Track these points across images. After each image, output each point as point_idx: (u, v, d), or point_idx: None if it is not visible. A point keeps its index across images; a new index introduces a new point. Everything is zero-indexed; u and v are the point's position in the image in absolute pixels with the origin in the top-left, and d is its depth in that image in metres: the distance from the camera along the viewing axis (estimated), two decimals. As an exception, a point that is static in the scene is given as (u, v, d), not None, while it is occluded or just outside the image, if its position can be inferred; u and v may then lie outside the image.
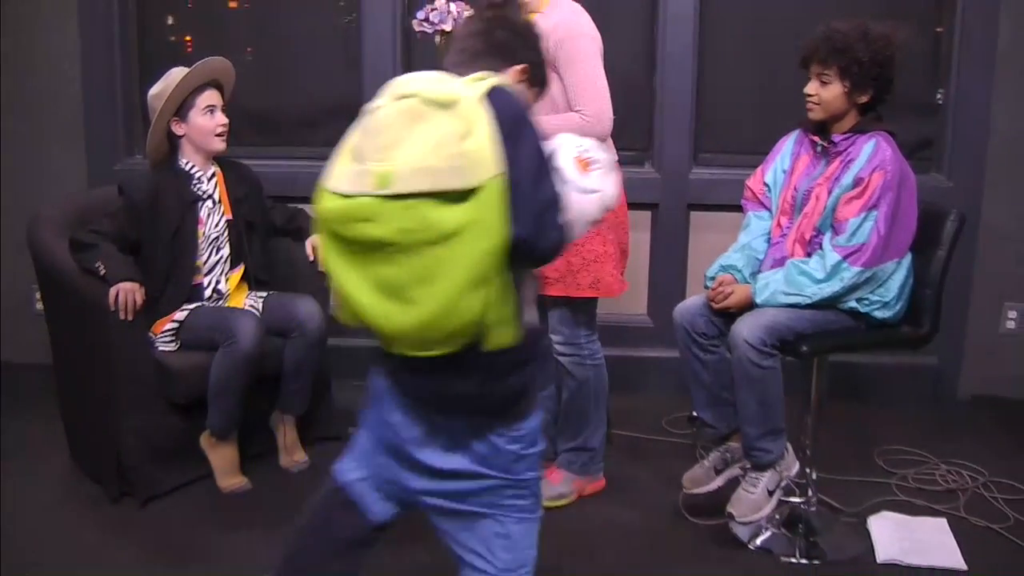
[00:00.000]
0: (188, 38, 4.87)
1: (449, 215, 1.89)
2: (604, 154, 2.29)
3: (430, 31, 3.33)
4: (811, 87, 3.32)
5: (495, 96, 1.99)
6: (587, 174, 2.22)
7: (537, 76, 2.40)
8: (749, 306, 3.40)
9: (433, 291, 1.92)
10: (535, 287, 2.21)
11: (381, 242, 1.92)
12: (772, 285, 3.30)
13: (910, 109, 4.42)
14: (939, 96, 4.55)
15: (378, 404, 2.29)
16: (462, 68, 2.18)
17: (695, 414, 3.71)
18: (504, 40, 2.34)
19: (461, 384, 2.09)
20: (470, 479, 2.17)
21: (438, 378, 2.09)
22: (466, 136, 1.91)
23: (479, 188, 1.88)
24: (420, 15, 3.34)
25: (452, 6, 3.30)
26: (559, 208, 2.02)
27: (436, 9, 3.31)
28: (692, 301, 3.61)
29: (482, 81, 2.02)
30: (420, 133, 1.94)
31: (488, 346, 1.99)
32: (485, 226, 1.90)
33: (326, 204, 1.96)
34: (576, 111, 3.30)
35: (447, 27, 3.29)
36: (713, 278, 3.53)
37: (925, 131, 4.56)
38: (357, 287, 1.98)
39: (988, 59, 4.41)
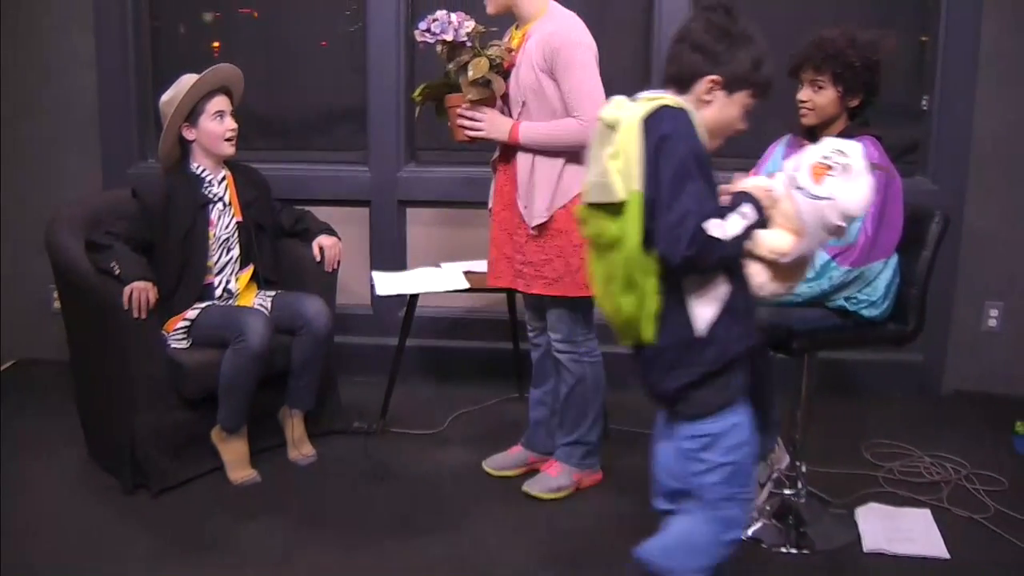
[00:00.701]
0: (215, 44, 4.94)
1: (611, 225, 2.20)
2: (854, 160, 2.28)
3: (431, 40, 3.40)
4: (804, 93, 3.37)
5: (652, 117, 2.20)
6: (821, 181, 2.25)
7: (735, 82, 2.36)
8: None
9: (611, 287, 2.26)
10: (737, 297, 2.29)
11: (603, 246, 2.25)
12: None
13: (897, 114, 4.50)
14: (924, 102, 4.62)
15: None
16: (666, 87, 2.39)
17: None
18: (688, 61, 2.37)
19: (644, 376, 2.40)
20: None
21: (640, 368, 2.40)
22: (615, 156, 2.18)
23: (626, 203, 2.16)
24: (422, 25, 3.39)
25: (453, 16, 3.36)
26: (694, 222, 2.12)
27: (437, 20, 3.37)
28: None
29: (650, 103, 2.24)
30: (597, 152, 2.25)
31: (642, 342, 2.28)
32: (627, 237, 2.17)
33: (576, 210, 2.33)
34: (574, 117, 3.36)
35: (448, 37, 3.35)
36: None
37: (911, 135, 4.62)
38: (593, 276, 2.37)
39: (970, 67, 4.49)
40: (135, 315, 3.56)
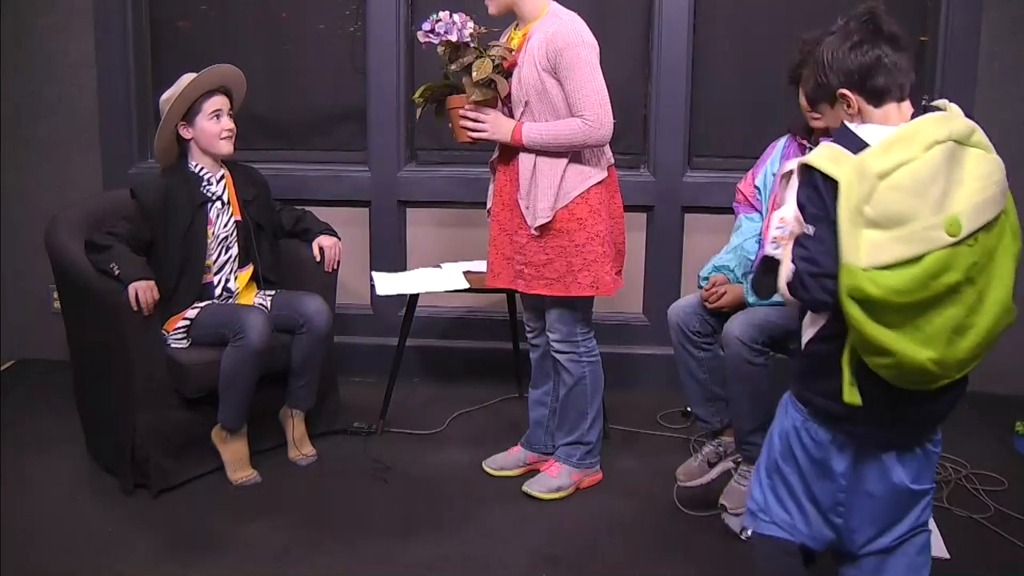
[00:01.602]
0: (215, 44, 4.90)
1: (992, 239, 2.13)
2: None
3: (435, 41, 3.40)
4: None
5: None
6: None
7: (865, 87, 2.25)
8: (741, 305, 3.49)
9: (985, 309, 2.13)
10: None
11: (954, 287, 2.09)
12: None
13: None
14: (924, 103, 4.61)
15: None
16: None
17: (689, 409, 3.82)
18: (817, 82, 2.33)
19: (942, 401, 2.27)
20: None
21: (939, 399, 2.25)
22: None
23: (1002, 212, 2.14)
24: (426, 26, 3.38)
25: (456, 17, 3.36)
26: None
27: (441, 20, 3.37)
28: (686, 300, 3.70)
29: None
30: (968, 172, 2.11)
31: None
32: (1013, 230, 2.16)
33: (886, 282, 2.03)
34: (578, 116, 3.36)
35: (452, 38, 3.34)
36: (707, 278, 3.62)
37: None
38: (917, 344, 2.09)
39: (970, 68, 4.50)
40: (145, 314, 3.59)
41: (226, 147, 3.89)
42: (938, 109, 2.21)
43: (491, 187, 3.70)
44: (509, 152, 3.54)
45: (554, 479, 3.71)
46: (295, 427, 3.98)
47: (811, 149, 3.46)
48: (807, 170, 2.17)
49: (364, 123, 4.82)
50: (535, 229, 3.45)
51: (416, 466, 3.98)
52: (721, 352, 3.52)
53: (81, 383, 3.98)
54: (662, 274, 4.81)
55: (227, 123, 3.88)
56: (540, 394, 3.86)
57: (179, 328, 3.78)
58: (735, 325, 3.38)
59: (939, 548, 3.31)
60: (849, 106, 2.25)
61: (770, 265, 2.34)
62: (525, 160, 3.46)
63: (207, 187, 3.90)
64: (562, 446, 3.76)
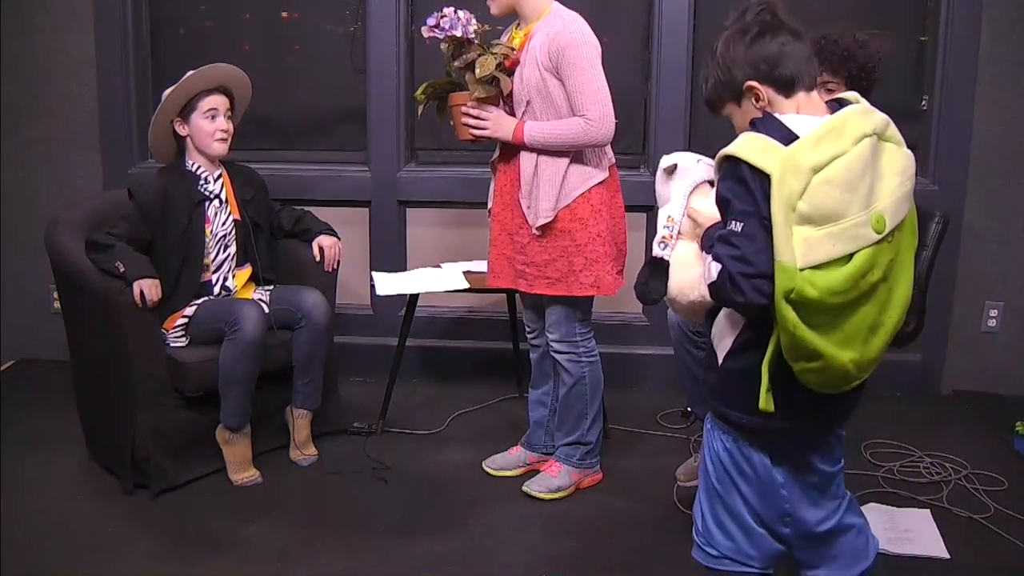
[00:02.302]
0: (214, 44, 4.91)
1: (903, 232, 2.08)
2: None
3: (441, 36, 3.39)
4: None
5: None
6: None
7: (773, 77, 2.17)
8: None
9: (893, 307, 2.09)
10: None
11: (875, 285, 2.04)
12: None
13: (896, 115, 4.33)
14: (924, 102, 4.63)
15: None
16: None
17: (689, 409, 3.82)
18: None
19: (859, 392, 2.23)
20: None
21: (850, 397, 2.20)
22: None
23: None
24: (430, 21, 3.36)
25: (460, 13, 3.36)
26: None
27: (446, 16, 3.36)
28: None
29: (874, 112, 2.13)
30: (887, 167, 2.06)
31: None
32: (912, 227, 2.12)
33: (821, 282, 1.94)
34: (580, 116, 3.36)
35: (457, 33, 3.33)
36: None
37: (910, 136, 4.57)
38: (838, 346, 2.03)
39: (970, 67, 4.50)
40: (150, 309, 3.61)
41: (219, 148, 3.89)
42: (848, 102, 2.14)
43: (492, 187, 3.70)
44: (510, 152, 3.54)
45: (554, 479, 3.71)
46: (301, 428, 3.98)
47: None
48: (731, 161, 2.05)
49: (364, 123, 4.82)
50: (536, 229, 3.45)
51: (416, 466, 3.98)
52: None
53: (81, 383, 3.98)
54: (662, 274, 4.78)
55: (222, 123, 3.88)
56: (540, 394, 3.86)
57: (178, 326, 3.79)
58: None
59: (939, 548, 3.32)
60: (758, 99, 2.14)
61: (658, 267, 2.29)
62: (526, 159, 3.46)
63: (204, 185, 3.91)
64: (562, 446, 3.76)
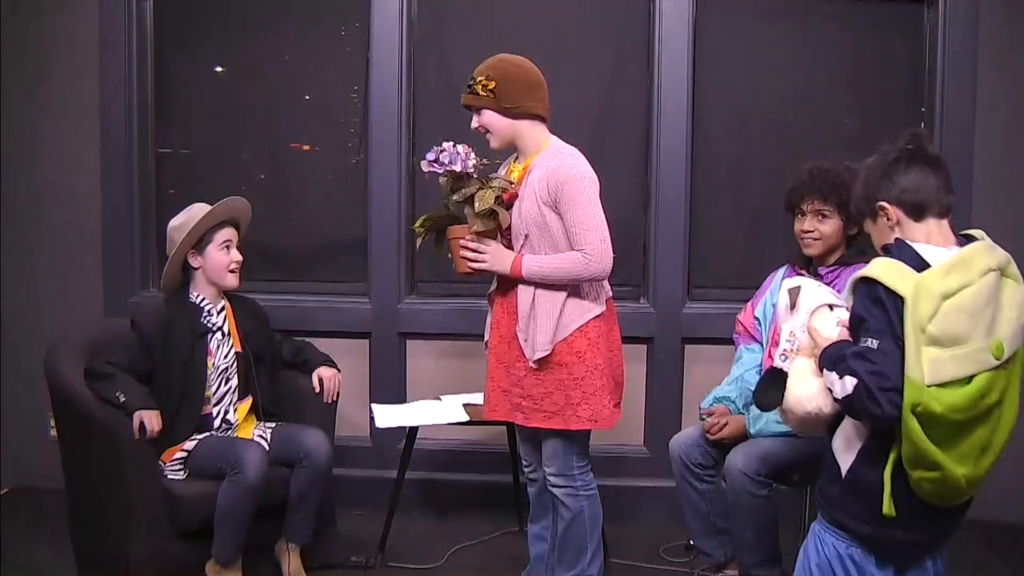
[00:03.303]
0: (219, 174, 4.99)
1: (1017, 362, 2.28)
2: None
3: (440, 171, 3.43)
4: (809, 223, 3.46)
5: None
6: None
7: (905, 201, 2.42)
8: (743, 437, 3.48)
9: (1001, 430, 2.26)
10: None
11: (991, 408, 2.22)
12: (764, 416, 3.38)
13: None
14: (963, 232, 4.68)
15: None
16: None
17: (692, 542, 3.77)
18: None
19: (958, 511, 2.39)
20: None
21: (960, 512, 2.38)
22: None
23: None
24: (430, 156, 3.39)
25: (460, 148, 3.40)
26: None
27: (445, 150, 3.40)
28: (688, 433, 3.69)
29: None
30: (1006, 300, 2.24)
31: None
32: (1019, 363, 2.29)
33: (946, 399, 2.14)
34: (578, 250, 3.37)
35: (456, 168, 3.37)
36: (708, 410, 3.63)
37: None
38: (954, 460, 2.20)
39: (965, 193, 4.55)
40: (149, 440, 3.59)
41: (232, 280, 3.93)
42: (973, 238, 2.34)
43: (488, 319, 3.70)
44: (507, 284, 3.54)
45: (557, 615, 3.63)
46: (291, 561, 3.91)
47: (809, 277, 3.51)
48: (868, 283, 2.24)
49: (365, 254, 4.87)
50: (533, 362, 3.44)
51: (415, 601, 3.91)
52: (723, 484, 3.49)
53: (75, 512, 3.93)
54: (663, 406, 4.79)
55: (236, 255, 3.93)
56: (539, 528, 3.80)
57: (176, 459, 3.76)
58: (737, 457, 3.37)
59: None
60: (888, 218, 2.38)
61: (777, 377, 2.42)
62: (524, 293, 3.47)
63: (207, 318, 3.92)
64: (564, 582, 3.68)
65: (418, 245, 3.65)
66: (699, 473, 3.59)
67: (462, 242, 3.49)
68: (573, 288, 3.43)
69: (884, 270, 2.23)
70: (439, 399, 4.47)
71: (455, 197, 3.46)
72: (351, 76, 4.89)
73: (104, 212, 4.87)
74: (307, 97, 4.95)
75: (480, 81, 3.44)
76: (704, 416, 3.67)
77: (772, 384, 2.46)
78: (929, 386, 2.12)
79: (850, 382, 2.21)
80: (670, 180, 4.68)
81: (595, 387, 3.44)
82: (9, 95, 4.86)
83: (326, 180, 4.98)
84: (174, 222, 3.92)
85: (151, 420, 3.58)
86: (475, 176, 3.43)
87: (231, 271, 3.91)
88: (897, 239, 2.35)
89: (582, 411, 3.44)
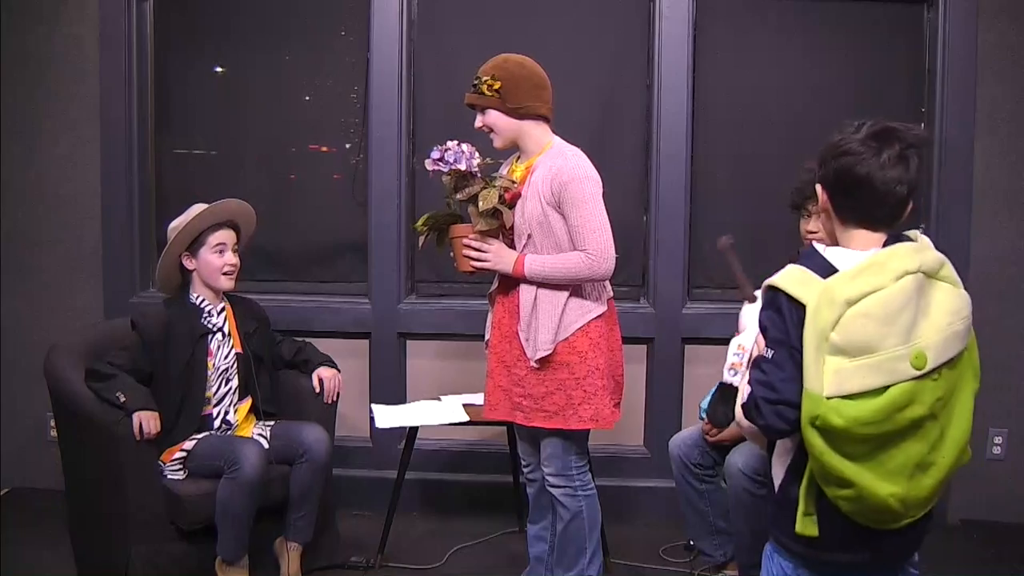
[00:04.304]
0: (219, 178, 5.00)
1: (955, 374, 2.10)
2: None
3: (445, 169, 3.40)
4: (814, 224, 3.46)
5: None
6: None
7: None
8: (743, 437, 3.49)
9: (946, 447, 2.09)
10: None
11: (917, 422, 2.05)
12: None
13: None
14: (921, 228, 4.66)
15: None
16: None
17: (692, 543, 3.77)
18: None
19: (919, 531, 2.23)
20: None
21: (909, 534, 2.20)
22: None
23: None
24: (434, 155, 3.39)
25: (464, 147, 3.39)
26: None
27: (449, 149, 3.38)
28: (687, 433, 3.69)
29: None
30: (936, 306, 2.09)
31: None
32: (974, 369, 2.15)
33: (850, 412, 1.99)
34: (581, 250, 3.37)
35: (461, 167, 3.35)
36: (707, 410, 3.63)
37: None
38: (878, 479, 2.05)
39: (966, 196, 4.59)
40: (146, 441, 3.59)
41: (226, 283, 3.93)
42: (908, 239, 2.19)
43: (489, 319, 3.70)
44: (508, 284, 3.55)
45: (557, 615, 3.63)
46: (291, 561, 3.90)
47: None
48: (772, 291, 2.15)
49: (365, 255, 4.87)
50: (535, 361, 3.44)
51: (415, 602, 3.91)
52: (723, 484, 3.49)
53: (75, 513, 3.93)
54: (663, 406, 4.80)
55: (230, 258, 3.92)
56: (539, 529, 3.80)
57: (176, 459, 3.76)
58: (737, 457, 3.37)
59: None
60: (820, 200, 2.27)
61: (728, 392, 2.34)
62: (526, 292, 3.47)
63: (208, 319, 3.93)
64: (564, 582, 3.68)
65: (420, 244, 3.64)
66: (698, 473, 3.59)
67: (465, 241, 3.49)
68: (575, 288, 3.43)
69: (786, 278, 2.13)
70: (439, 399, 4.47)
71: (458, 196, 3.45)
72: (351, 76, 4.89)
73: (104, 212, 4.87)
74: (307, 97, 4.95)
75: (486, 81, 3.44)
76: (704, 417, 3.67)
77: (723, 399, 2.39)
78: (830, 398, 1.99)
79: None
80: (670, 180, 4.69)
81: (596, 387, 3.45)
82: (9, 95, 4.86)
83: (326, 180, 4.98)
84: (173, 223, 3.93)
85: (148, 421, 3.58)
86: (479, 175, 3.43)
87: (224, 273, 3.91)
88: (809, 246, 2.24)
89: (583, 411, 3.44)
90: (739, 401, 2.23)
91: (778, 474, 2.26)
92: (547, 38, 4.68)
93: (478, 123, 3.49)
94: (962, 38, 4.59)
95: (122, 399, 3.58)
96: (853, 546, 2.17)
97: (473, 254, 3.49)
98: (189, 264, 3.91)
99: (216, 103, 4.98)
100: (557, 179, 3.37)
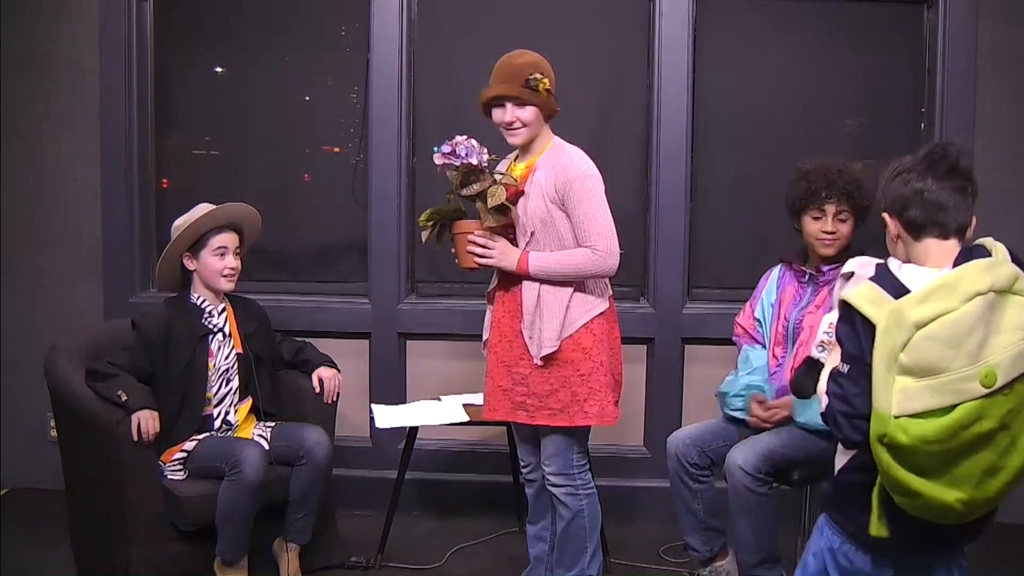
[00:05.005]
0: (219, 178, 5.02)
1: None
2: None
3: (456, 163, 3.33)
4: (831, 224, 3.47)
5: None
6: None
7: (903, 217, 2.31)
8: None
9: (1017, 452, 2.11)
10: None
11: (986, 435, 2.07)
12: (814, 407, 3.36)
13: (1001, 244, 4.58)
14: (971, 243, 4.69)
15: None
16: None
17: (686, 542, 3.76)
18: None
19: (972, 527, 2.27)
20: None
21: (967, 528, 2.25)
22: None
23: None
24: (445, 148, 3.33)
25: (474, 142, 3.34)
26: None
27: (461, 144, 3.33)
28: (687, 432, 3.69)
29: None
30: (1008, 322, 2.08)
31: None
32: None
33: (916, 430, 2.03)
34: (587, 247, 3.38)
35: (474, 161, 3.31)
36: (742, 398, 3.61)
37: None
38: (945, 487, 2.09)
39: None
40: (146, 443, 3.58)
41: (226, 285, 3.93)
42: (985, 250, 2.21)
43: (487, 319, 3.69)
44: (508, 283, 3.54)
45: (557, 615, 3.62)
46: (290, 562, 3.90)
47: (811, 274, 3.53)
48: (846, 307, 2.19)
49: (365, 255, 4.87)
50: (540, 359, 3.44)
51: (415, 601, 3.91)
52: (718, 484, 3.50)
53: (75, 513, 3.93)
54: (663, 406, 4.79)
55: (231, 262, 3.92)
56: (538, 529, 3.80)
57: (176, 460, 3.76)
58: (738, 454, 3.37)
59: None
60: (890, 229, 2.32)
61: (813, 366, 2.39)
62: (529, 290, 3.46)
63: (208, 319, 3.92)
64: (564, 582, 3.67)
65: (424, 239, 3.59)
66: (694, 473, 3.59)
67: (471, 237, 3.45)
68: (578, 284, 3.43)
69: (860, 296, 2.16)
70: (439, 399, 4.47)
71: (464, 191, 3.39)
72: (351, 76, 4.89)
73: (104, 212, 4.88)
74: (307, 97, 4.95)
75: (541, 80, 3.43)
76: (733, 404, 3.66)
77: (807, 373, 2.45)
78: (898, 417, 2.04)
79: (825, 400, 2.23)
80: (670, 180, 4.69)
81: (601, 383, 3.45)
82: (9, 95, 4.86)
83: (326, 180, 4.98)
84: (177, 221, 3.93)
85: (147, 422, 3.58)
86: (488, 171, 3.41)
87: (224, 276, 3.91)
88: (878, 265, 2.27)
89: (589, 407, 3.44)
90: (820, 392, 2.28)
91: (841, 459, 2.34)
92: (547, 38, 4.65)
93: (509, 116, 3.45)
94: (962, 38, 4.59)
95: (123, 398, 3.58)
96: (913, 536, 2.23)
97: (478, 250, 3.46)
98: (190, 264, 3.92)
99: (216, 103, 4.98)
100: (561, 177, 3.38)
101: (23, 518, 4.65)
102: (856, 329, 2.15)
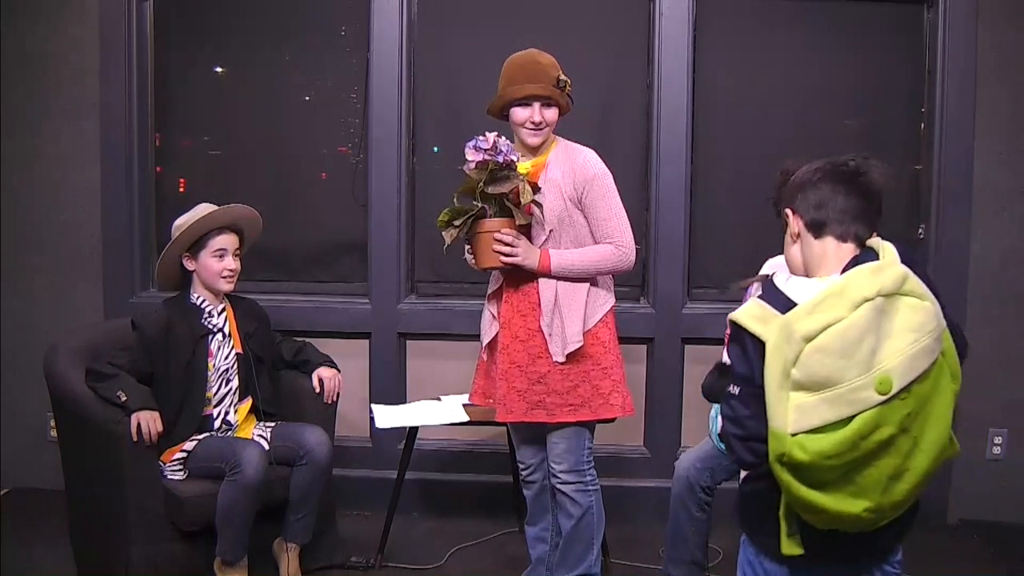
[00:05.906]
0: (218, 178, 5.02)
1: (927, 386, 2.05)
2: None
3: (500, 159, 3.26)
4: None
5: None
6: None
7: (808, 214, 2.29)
8: None
9: (920, 453, 2.05)
10: None
11: (887, 441, 2.02)
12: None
13: (893, 243, 4.56)
14: (920, 231, 4.70)
15: None
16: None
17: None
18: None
19: (888, 533, 2.21)
20: None
21: (884, 534, 2.19)
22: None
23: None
24: (482, 144, 3.25)
25: (504, 139, 3.31)
26: None
27: (501, 140, 3.26)
28: (698, 453, 3.62)
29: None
30: (899, 325, 2.03)
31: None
32: (951, 372, 2.09)
33: (814, 446, 1.97)
34: (609, 243, 3.43)
35: (513, 158, 3.28)
36: None
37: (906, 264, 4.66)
38: (850, 497, 2.04)
39: (965, 195, 4.59)
40: (146, 443, 3.57)
41: (225, 286, 3.93)
42: (873, 252, 2.17)
43: (484, 319, 3.69)
44: (518, 282, 3.52)
45: (563, 616, 3.62)
46: (290, 562, 3.90)
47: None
48: (735, 327, 2.14)
49: (365, 255, 4.87)
50: (563, 356, 3.44)
51: (415, 601, 3.91)
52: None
53: (75, 513, 3.93)
54: (663, 406, 4.80)
55: (230, 263, 3.92)
56: (538, 530, 3.80)
57: (176, 460, 3.76)
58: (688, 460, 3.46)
59: None
60: (790, 226, 2.29)
61: (725, 371, 2.31)
62: (546, 288, 3.46)
63: (208, 319, 3.92)
64: (570, 581, 3.67)
65: (449, 239, 3.42)
66: (700, 499, 3.54)
67: (497, 236, 3.38)
68: (591, 280, 3.47)
69: (746, 315, 2.10)
70: (439, 399, 4.46)
71: (491, 189, 3.32)
72: (351, 76, 4.89)
73: (104, 212, 4.87)
74: (307, 97, 4.95)
75: (567, 81, 3.47)
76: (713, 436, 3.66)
77: (720, 377, 2.36)
78: (795, 434, 1.98)
79: (721, 421, 2.19)
80: (670, 180, 4.69)
81: (620, 376, 3.51)
82: (10, 95, 4.86)
83: (326, 180, 4.98)
84: (178, 220, 3.93)
85: (148, 422, 3.57)
86: (516, 169, 3.35)
87: (223, 277, 3.91)
88: (765, 280, 2.23)
89: (614, 399, 3.48)
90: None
91: (743, 472, 2.32)
92: (547, 38, 4.63)
93: (538, 116, 3.45)
94: (962, 38, 4.59)
95: (123, 398, 3.58)
96: (830, 546, 2.16)
97: (505, 249, 3.39)
98: (189, 265, 3.92)
99: (216, 103, 4.98)
100: (581, 175, 3.41)
101: (23, 518, 4.65)
102: (746, 349, 2.10)
